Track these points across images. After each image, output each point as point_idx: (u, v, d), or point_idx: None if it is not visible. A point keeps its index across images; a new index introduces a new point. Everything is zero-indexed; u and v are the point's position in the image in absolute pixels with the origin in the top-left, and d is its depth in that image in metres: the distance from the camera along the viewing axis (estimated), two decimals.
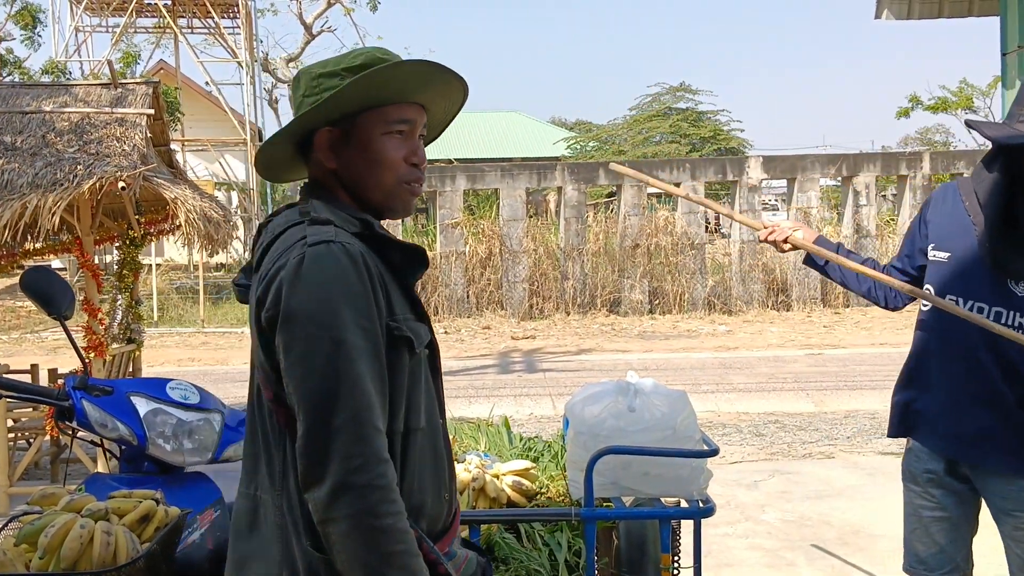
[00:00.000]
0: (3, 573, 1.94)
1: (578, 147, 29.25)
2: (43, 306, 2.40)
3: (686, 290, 18.27)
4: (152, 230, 7.12)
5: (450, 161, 23.32)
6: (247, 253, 25.46)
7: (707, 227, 20.46)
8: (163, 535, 2.07)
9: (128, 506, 2.13)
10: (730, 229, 20.07)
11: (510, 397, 9.98)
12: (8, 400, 5.98)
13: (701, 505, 2.64)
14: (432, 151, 27.63)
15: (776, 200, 33.32)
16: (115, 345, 6.66)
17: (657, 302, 18.37)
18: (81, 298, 6.15)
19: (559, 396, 9.71)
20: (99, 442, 2.55)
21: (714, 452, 2.60)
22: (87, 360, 2.62)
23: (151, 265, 19.55)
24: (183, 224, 6.06)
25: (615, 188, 19.35)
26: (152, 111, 6.43)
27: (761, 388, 10.27)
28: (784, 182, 20.17)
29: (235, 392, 10.37)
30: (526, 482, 3.01)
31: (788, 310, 18.10)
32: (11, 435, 6.64)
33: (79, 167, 5.73)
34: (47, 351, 15.07)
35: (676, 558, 2.91)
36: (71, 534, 1.97)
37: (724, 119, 28.00)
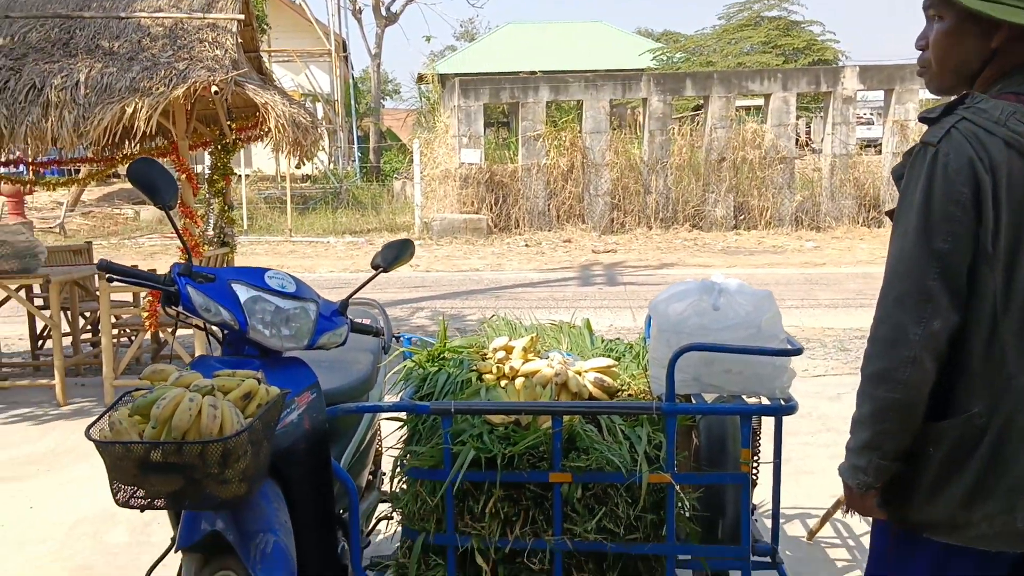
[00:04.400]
0: (119, 440, 2.08)
1: (664, 58, 28.51)
2: (149, 195, 2.50)
3: (773, 205, 17.91)
4: (243, 136, 7.26)
5: (533, 72, 23.02)
6: (331, 165, 25.85)
7: (797, 141, 19.88)
8: (265, 411, 2.18)
9: (232, 384, 2.25)
10: (822, 144, 19.45)
11: (590, 309, 10.02)
12: (111, 299, 6.28)
13: (783, 403, 2.66)
14: (514, 63, 27.23)
15: (871, 114, 32.12)
16: (210, 248, 6.89)
17: (742, 217, 18.07)
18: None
19: (639, 308, 9.73)
20: (202, 326, 2.67)
21: (798, 351, 2.60)
22: (190, 247, 2.73)
23: (241, 175, 19.98)
24: (272, 129, 6.17)
25: (702, 100, 18.88)
26: (242, 16, 6.50)
27: (848, 304, 10.10)
28: (880, 95, 19.40)
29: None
30: (608, 379, 3.06)
31: (880, 227, 17.62)
32: (114, 331, 6.99)
33: (173, 72, 5.86)
34: (144, 256, 15.68)
35: (756, 455, 2.95)
36: (181, 406, 2.09)
37: (818, 30, 26.87)
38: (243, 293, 2.51)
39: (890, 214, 1.90)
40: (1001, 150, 1.67)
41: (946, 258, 1.69)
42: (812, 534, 3.88)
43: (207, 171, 7.42)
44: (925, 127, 1.79)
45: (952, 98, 1.82)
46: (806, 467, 4.74)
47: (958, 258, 1.69)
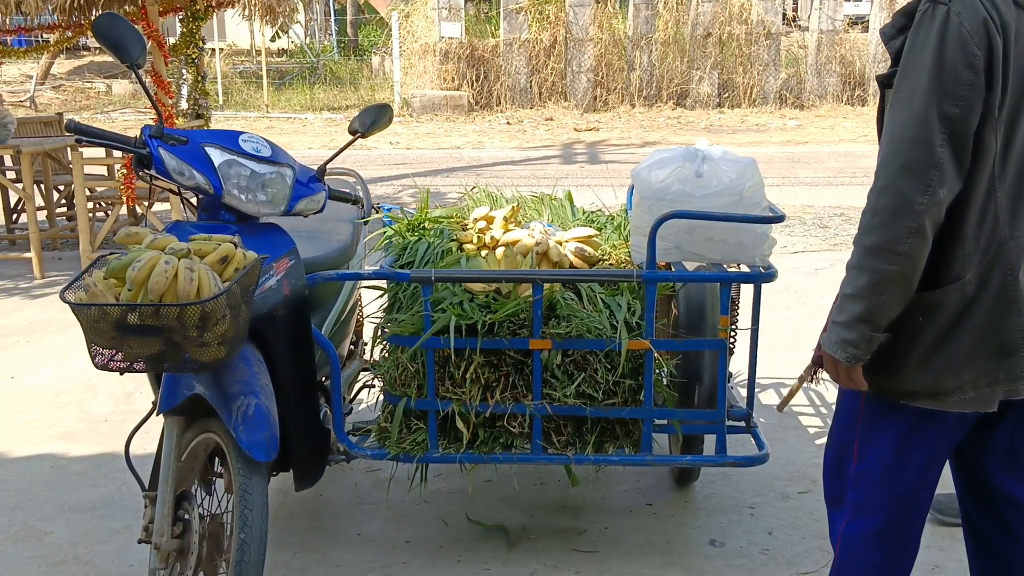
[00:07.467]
0: (95, 303, 2.06)
1: None
2: (116, 53, 2.39)
3: (757, 83, 17.63)
4: (214, 2, 6.98)
5: None
6: (307, 39, 25.08)
7: (784, 16, 19.43)
8: (242, 275, 2.15)
9: (208, 248, 2.21)
10: (808, 20, 19.04)
11: (572, 187, 9.87)
12: (84, 172, 6.15)
13: (763, 271, 2.66)
14: None
15: None
16: (183, 120, 6.72)
17: (727, 95, 17.80)
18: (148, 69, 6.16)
19: (620, 187, 9.61)
20: (176, 191, 2.61)
21: (780, 218, 2.59)
22: (162, 109, 2.65)
23: (215, 49, 19.36)
24: None
25: None
26: None
27: (829, 182, 10.08)
28: None
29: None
30: (589, 249, 3.05)
31: (864, 105, 17.42)
32: (89, 205, 6.88)
33: None
34: (118, 130, 15.30)
35: (734, 324, 2.98)
36: (157, 268, 2.05)
37: None
38: (217, 156, 2.44)
39: (883, 79, 1.82)
40: (1011, 8, 1.64)
41: (956, 123, 1.63)
42: (783, 404, 3.96)
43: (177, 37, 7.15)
44: None
45: None
46: (781, 340, 4.81)
47: (968, 124, 1.64)
